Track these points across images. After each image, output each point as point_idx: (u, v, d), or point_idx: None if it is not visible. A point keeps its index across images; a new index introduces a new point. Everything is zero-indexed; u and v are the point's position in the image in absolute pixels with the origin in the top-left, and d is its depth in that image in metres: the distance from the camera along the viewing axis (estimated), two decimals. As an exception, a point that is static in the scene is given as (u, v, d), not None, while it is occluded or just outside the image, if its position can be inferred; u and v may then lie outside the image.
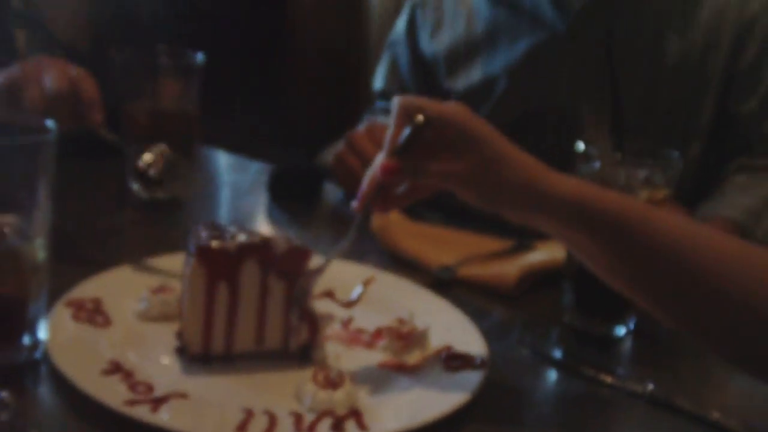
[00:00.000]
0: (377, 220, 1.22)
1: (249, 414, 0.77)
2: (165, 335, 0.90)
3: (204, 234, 0.86)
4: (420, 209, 1.32)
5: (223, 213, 1.39)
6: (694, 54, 1.40)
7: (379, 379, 0.87)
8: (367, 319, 0.97)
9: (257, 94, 1.52)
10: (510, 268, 1.13)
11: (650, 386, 0.90)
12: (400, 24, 1.65)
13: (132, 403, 0.76)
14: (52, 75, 1.16)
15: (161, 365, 0.85)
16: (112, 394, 0.77)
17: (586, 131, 1.08)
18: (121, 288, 0.96)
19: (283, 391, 0.82)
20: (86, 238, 1.14)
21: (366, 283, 0.95)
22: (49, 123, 0.81)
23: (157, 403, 0.77)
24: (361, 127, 1.36)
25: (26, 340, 0.82)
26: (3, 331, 0.81)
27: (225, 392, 0.82)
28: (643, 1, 1.41)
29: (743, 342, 0.78)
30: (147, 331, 0.91)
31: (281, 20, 2.92)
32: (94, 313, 0.91)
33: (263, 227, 1.29)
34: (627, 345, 1.04)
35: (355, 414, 0.79)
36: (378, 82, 1.69)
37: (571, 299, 1.05)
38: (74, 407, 0.77)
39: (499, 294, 1.11)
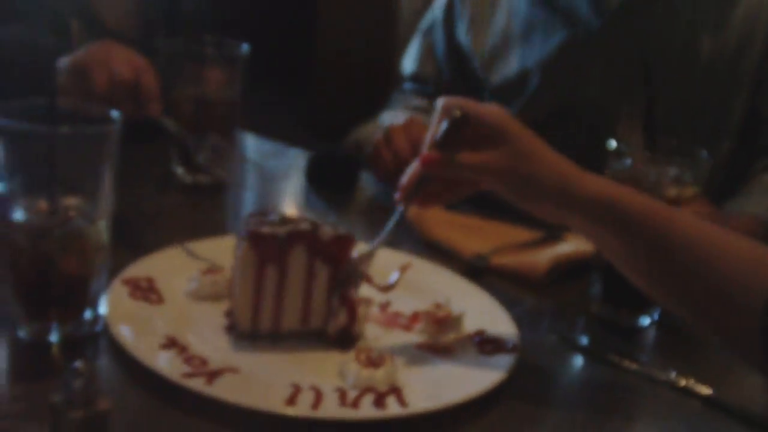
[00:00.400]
0: (413, 209, 1.27)
1: (297, 389, 0.82)
2: (215, 314, 0.95)
3: (255, 220, 0.91)
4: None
5: (262, 198, 1.44)
6: (727, 54, 1.43)
7: (417, 359, 0.92)
8: (404, 303, 1.02)
9: (291, 83, 1.55)
10: (540, 258, 1.17)
11: (673, 374, 0.95)
12: (437, 11, 1.67)
13: (189, 375, 0.81)
14: (119, 62, 1.20)
15: (213, 341, 0.90)
16: (171, 366, 0.83)
17: (618, 128, 1.12)
18: (173, 268, 1.02)
19: (328, 369, 0.88)
20: (134, 220, 1.19)
21: (403, 269, 1.00)
22: (114, 113, 0.86)
23: (212, 376, 0.82)
24: (400, 121, 1.40)
25: (88, 314, 0.88)
26: (68, 307, 0.87)
27: (273, 368, 0.87)
28: (678, 2, 1.44)
29: (755, 343, 0.81)
30: (198, 309, 0.96)
31: (313, 12, 2.98)
32: (148, 292, 0.96)
33: (301, 212, 1.34)
34: (651, 334, 1.08)
35: (395, 391, 0.84)
36: (409, 65, 1.71)
37: (598, 290, 1.09)
38: (134, 378, 0.82)
39: (530, 283, 1.15)
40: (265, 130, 1.61)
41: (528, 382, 0.92)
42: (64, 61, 1.23)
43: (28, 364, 0.85)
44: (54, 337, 0.86)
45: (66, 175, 0.84)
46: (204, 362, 0.85)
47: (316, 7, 3.09)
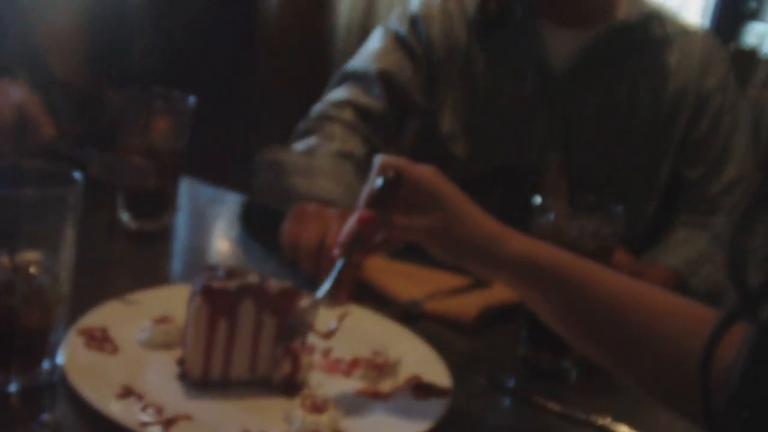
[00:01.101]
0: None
1: None
2: (167, 362, 1.01)
3: (207, 275, 0.98)
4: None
5: (203, 244, 1.49)
6: (659, 124, 1.56)
7: (358, 404, 0.99)
8: (344, 350, 1.09)
9: (233, 130, 1.60)
10: (471, 304, 1.25)
11: (593, 415, 1.03)
12: (402, 29, 1.61)
13: (146, 424, 0.87)
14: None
15: (167, 389, 0.96)
16: (128, 415, 0.88)
17: (547, 186, 1.21)
18: (125, 318, 1.07)
19: (275, 415, 0.94)
20: (85, 268, 1.23)
21: (341, 318, 1.07)
22: (77, 174, 0.91)
23: (168, 424, 0.88)
24: (311, 209, 1.33)
25: (46, 364, 0.93)
26: (27, 358, 0.92)
27: (224, 415, 0.93)
28: (617, 73, 1.55)
29: (669, 386, 0.90)
30: (151, 357, 1.01)
31: (252, 60, 3.05)
32: (102, 342, 1.01)
33: (239, 261, 1.40)
34: (574, 376, 1.16)
35: None
36: (377, 61, 1.60)
37: (525, 334, 1.17)
38: (93, 427, 0.87)
39: (461, 327, 1.23)
40: (208, 177, 1.65)
41: (459, 423, 0.99)
42: None
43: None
44: (13, 388, 0.90)
45: (29, 232, 0.89)
46: (160, 410, 0.90)
47: (254, 53, 3.16)
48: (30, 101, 1.24)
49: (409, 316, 1.22)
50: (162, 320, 1.05)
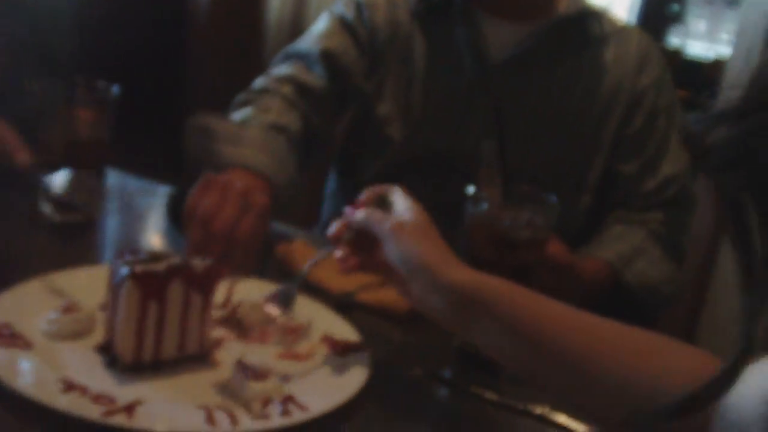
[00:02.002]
0: (282, 248, 1.31)
1: (207, 410, 0.89)
2: (86, 351, 0.98)
3: (129, 258, 0.95)
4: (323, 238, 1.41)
5: (130, 235, 1.45)
6: (594, 118, 1.57)
7: (288, 368, 1.01)
8: (250, 319, 1.10)
9: (161, 123, 1.56)
10: (405, 295, 1.23)
11: (528, 402, 1.03)
12: (349, 13, 1.61)
13: (108, 414, 0.84)
14: None
15: (105, 379, 0.93)
16: (88, 409, 0.85)
17: (480, 173, 1.19)
18: (26, 309, 1.01)
19: (218, 389, 0.95)
20: (5, 260, 1.18)
21: (230, 288, 1.11)
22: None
23: (128, 411, 0.86)
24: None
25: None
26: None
27: (175, 395, 0.93)
28: (555, 67, 1.55)
29: (617, 416, 0.84)
30: (66, 349, 0.97)
31: (182, 51, 3.02)
32: (12, 338, 0.96)
33: (167, 248, 1.36)
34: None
35: (290, 399, 0.93)
36: (319, 41, 1.59)
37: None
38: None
39: (396, 318, 1.21)
40: (137, 169, 1.61)
41: (395, 414, 0.98)
42: None
43: None
44: None
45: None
46: (112, 400, 0.88)
47: (185, 46, 3.13)
48: (3, 129, 1.21)
49: (342, 306, 1.20)
50: (69, 309, 1.01)
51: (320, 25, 1.63)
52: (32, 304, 1.03)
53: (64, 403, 0.85)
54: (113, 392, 0.89)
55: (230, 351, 1.03)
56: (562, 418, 1.01)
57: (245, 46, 3.14)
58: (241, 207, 1.17)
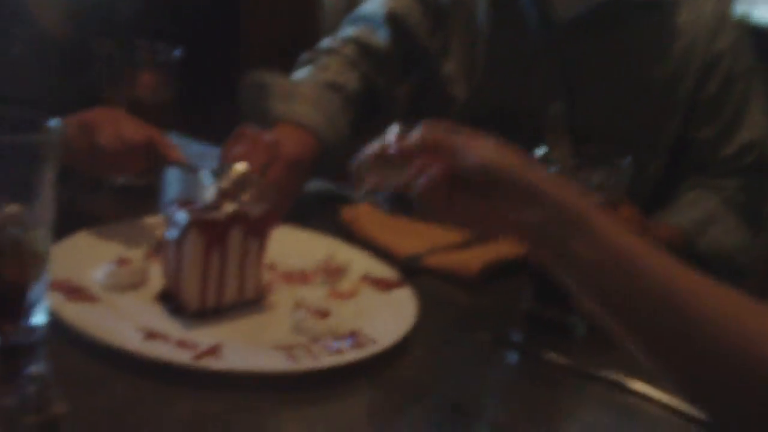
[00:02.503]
0: (347, 212, 1.29)
1: (285, 347, 0.92)
2: (145, 301, 1.00)
3: (189, 208, 0.98)
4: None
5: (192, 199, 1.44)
6: (665, 82, 1.51)
7: (340, 305, 1.04)
8: (286, 264, 1.13)
9: (218, 84, 1.56)
10: (473, 258, 1.21)
11: (603, 369, 0.99)
12: None
13: (198, 357, 0.87)
14: (130, 126, 1.22)
15: (175, 325, 0.96)
16: (177, 354, 0.87)
17: (548, 135, 1.16)
18: (78, 263, 1.03)
19: (286, 328, 0.99)
20: (68, 223, 1.18)
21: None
22: (53, 122, 0.86)
23: (215, 353, 0.89)
24: None
25: (27, 322, 0.88)
26: (6, 315, 0.87)
27: (248, 337, 0.97)
28: (623, 29, 1.50)
29: (726, 399, 0.77)
30: (128, 299, 1.00)
31: (237, 17, 3.03)
32: (77, 292, 0.97)
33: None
34: (583, 332, 1.12)
35: (356, 333, 0.97)
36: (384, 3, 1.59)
37: (530, 289, 1.13)
38: (81, 379, 0.84)
39: (463, 282, 1.19)
40: (196, 132, 1.61)
41: (463, 375, 0.96)
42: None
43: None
44: (-8, 344, 0.86)
45: (4, 183, 0.84)
46: (194, 345, 0.90)
47: (240, 13, 3.13)
48: (156, 131, 1.24)
49: (409, 270, 1.18)
50: (122, 262, 1.03)
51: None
52: (82, 257, 1.04)
53: (153, 350, 0.87)
54: (192, 337, 0.91)
55: (280, 294, 1.06)
56: (637, 385, 0.97)
57: (301, 11, 3.14)
58: (269, 157, 1.20)
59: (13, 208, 0.85)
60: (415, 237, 1.26)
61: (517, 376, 1.04)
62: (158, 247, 1.09)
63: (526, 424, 0.91)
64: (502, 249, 1.24)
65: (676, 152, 1.56)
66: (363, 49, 1.54)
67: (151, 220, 1.18)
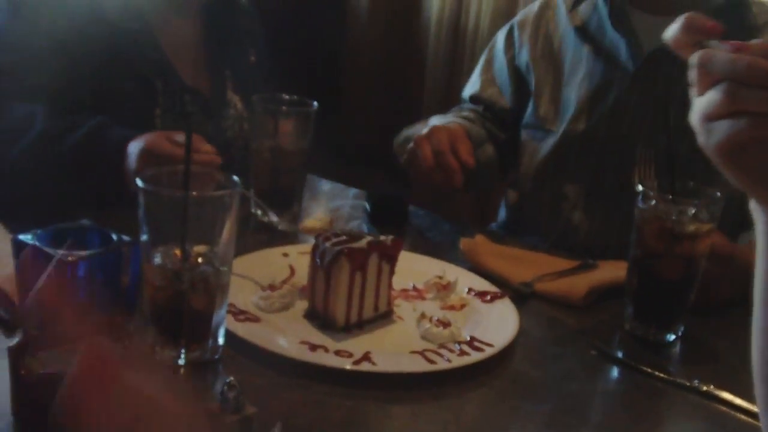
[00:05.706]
0: (465, 243, 1.46)
1: (421, 353, 1.11)
2: (295, 319, 1.19)
3: (334, 239, 1.17)
4: (501, 233, 1.56)
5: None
6: None
7: (455, 317, 1.21)
8: (399, 282, 1.28)
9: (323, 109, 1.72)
10: (579, 284, 1.36)
11: (696, 381, 1.13)
12: (500, 40, 1.85)
13: (357, 363, 1.07)
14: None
15: (331, 338, 1.14)
16: (340, 362, 1.07)
17: (637, 166, 1.26)
18: (237, 289, 1.19)
19: (415, 335, 1.17)
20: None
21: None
22: (236, 180, 1.05)
23: (365, 359, 1.08)
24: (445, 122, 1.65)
25: (210, 342, 1.07)
26: (194, 337, 1.05)
27: (389, 345, 1.15)
28: None
29: None
30: (282, 318, 1.19)
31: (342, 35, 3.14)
32: (242, 314, 1.17)
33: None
34: (677, 348, 1.26)
35: (474, 340, 1.15)
36: (469, 89, 1.89)
37: (630, 310, 1.27)
38: (273, 384, 1.03)
39: (571, 305, 1.33)
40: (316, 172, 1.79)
41: (571, 388, 1.11)
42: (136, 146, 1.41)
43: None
44: (182, 361, 1.04)
45: (196, 228, 1.02)
46: (350, 353, 1.09)
47: (346, 54, 3.29)
48: (200, 140, 1.37)
49: (521, 295, 1.33)
50: (273, 287, 1.23)
51: (474, 77, 1.89)
52: (237, 284, 1.20)
53: (318, 359, 1.06)
54: (345, 347, 1.10)
55: (402, 308, 1.25)
56: (726, 395, 1.10)
57: (405, 49, 3.25)
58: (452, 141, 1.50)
59: (202, 248, 1.04)
60: (526, 266, 1.41)
61: (620, 386, 1.17)
62: (292, 273, 1.29)
63: (628, 427, 1.05)
64: (604, 275, 1.38)
65: None
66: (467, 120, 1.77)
67: (283, 250, 1.38)
